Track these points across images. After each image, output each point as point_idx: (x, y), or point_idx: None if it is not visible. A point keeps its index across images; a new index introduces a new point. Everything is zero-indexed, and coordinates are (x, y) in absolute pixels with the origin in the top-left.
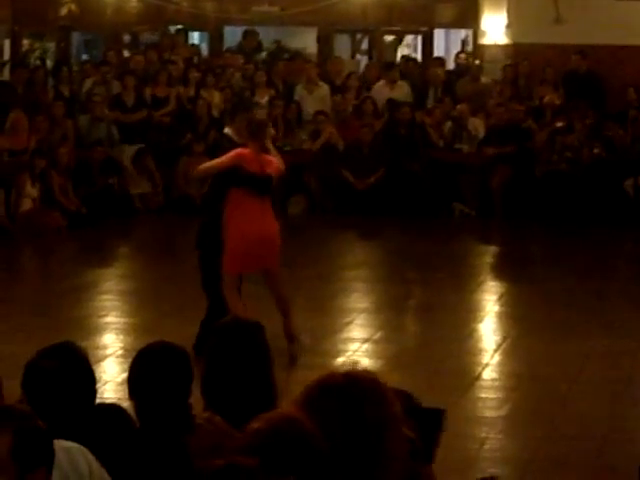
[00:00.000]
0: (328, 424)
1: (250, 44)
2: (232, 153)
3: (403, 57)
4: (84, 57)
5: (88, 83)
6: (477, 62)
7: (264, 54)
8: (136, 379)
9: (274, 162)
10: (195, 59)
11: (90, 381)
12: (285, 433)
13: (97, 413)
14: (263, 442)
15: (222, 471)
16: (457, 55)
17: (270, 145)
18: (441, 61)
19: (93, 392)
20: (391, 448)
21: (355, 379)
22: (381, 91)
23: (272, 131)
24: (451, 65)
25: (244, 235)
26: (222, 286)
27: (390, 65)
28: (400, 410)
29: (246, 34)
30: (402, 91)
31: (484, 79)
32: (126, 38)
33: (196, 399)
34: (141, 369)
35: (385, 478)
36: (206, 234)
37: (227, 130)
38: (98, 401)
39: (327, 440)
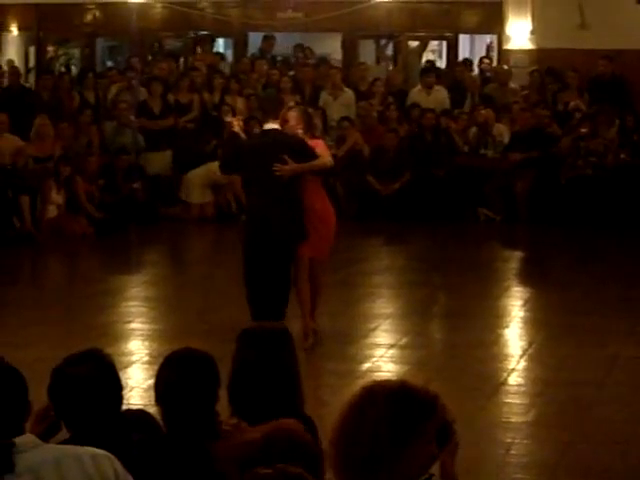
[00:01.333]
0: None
1: (268, 48)
2: (316, 146)
3: (428, 62)
4: (109, 64)
5: (114, 90)
6: (505, 67)
7: (279, 58)
8: (163, 385)
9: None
10: (221, 65)
11: (117, 388)
12: (278, 443)
13: (124, 419)
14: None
15: (272, 478)
16: (481, 60)
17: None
18: (470, 63)
19: (120, 399)
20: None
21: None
22: (418, 96)
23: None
24: (475, 70)
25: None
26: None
27: (427, 70)
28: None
29: (264, 39)
30: (440, 96)
31: (512, 84)
32: (152, 45)
33: (223, 406)
34: (168, 375)
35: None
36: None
37: (272, 125)
38: (124, 407)
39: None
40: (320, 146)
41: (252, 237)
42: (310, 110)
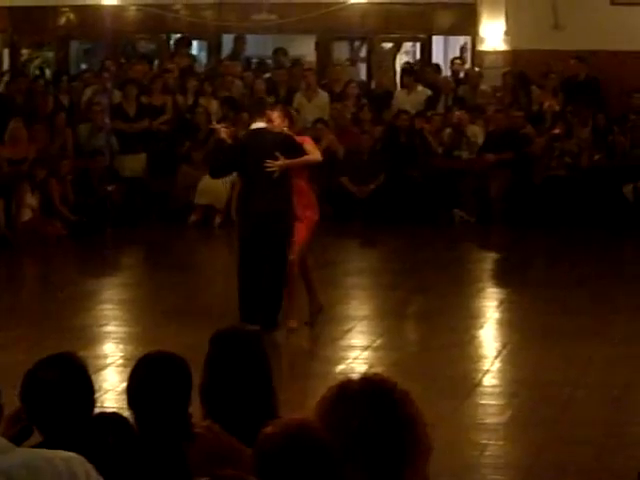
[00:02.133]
0: (354, 428)
1: (240, 50)
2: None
3: (407, 63)
4: (83, 66)
5: (88, 92)
6: (476, 69)
7: (254, 60)
8: (135, 388)
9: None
10: (195, 67)
11: (89, 391)
12: (298, 438)
13: (97, 422)
14: (276, 447)
15: None
16: (452, 61)
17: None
18: (437, 67)
19: (92, 402)
20: (422, 442)
21: (375, 382)
22: (400, 97)
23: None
24: (447, 72)
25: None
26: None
27: (407, 71)
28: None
29: (236, 40)
30: (420, 97)
31: (483, 86)
32: (125, 47)
33: (195, 408)
34: (140, 378)
35: (418, 473)
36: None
37: (258, 124)
38: (98, 410)
39: (353, 446)
40: (307, 142)
41: (249, 234)
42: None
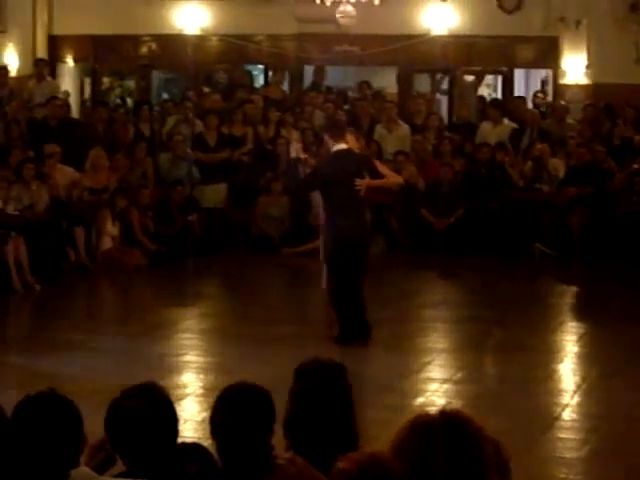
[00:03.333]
0: (430, 462)
1: (320, 80)
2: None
3: (494, 99)
4: (164, 96)
5: (170, 122)
6: (562, 102)
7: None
8: (218, 419)
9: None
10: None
11: (173, 421)
12: (371, 472)
13: (180, 452)
14: None
15: None
16: (535, 95)
17: None
18: (523, 100)
19: (176, 432)
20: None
21: (452, 417)
22: (485, 130)
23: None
24: (529, 105)
25: None
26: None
27: (494, 104)
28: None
29: (316, 71)
30: (505, 130)
31: (570, 120)
32: (207, 77)
33: (278, 439)
34: (223, 409)
35: None
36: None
37: (342, 145)
38: (179, 440)
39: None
40: (381, 166)
41: (342, 250)
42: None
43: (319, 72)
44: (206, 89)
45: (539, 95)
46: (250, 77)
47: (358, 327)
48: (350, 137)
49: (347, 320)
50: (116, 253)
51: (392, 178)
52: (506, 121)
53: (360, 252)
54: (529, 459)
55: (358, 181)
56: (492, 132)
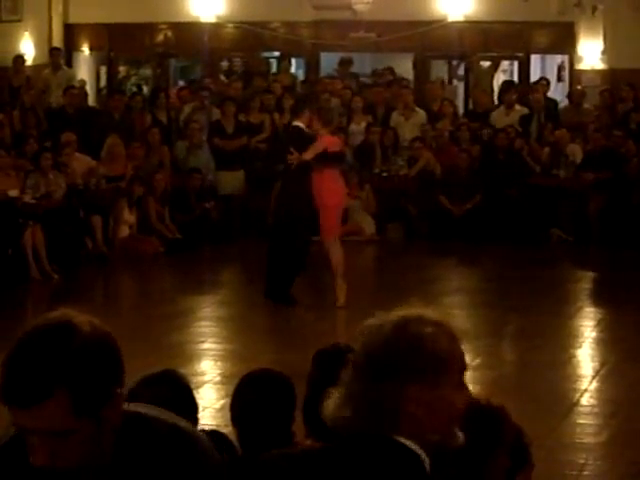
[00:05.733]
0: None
1: (345, 71)
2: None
3: (506, 81)
4: (180, 83)
5: (187, 110)
6: (579, 87)
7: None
8: (239, 406)
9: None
10: (297, 86)
11: (193, 409)
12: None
13: None
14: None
15: None
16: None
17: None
18: (547, 82)
19: (196, 420)
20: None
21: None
22: (498, 115)
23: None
24: (551, 90)
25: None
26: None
27: (507, 88)
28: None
29: (342, 62)
30: (519, 117)
31: (586, 104)
32: (223, 64)
33: (298, 426)
34: (244, 396)
35: None
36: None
37: (297, 122)
38: (198, 428)
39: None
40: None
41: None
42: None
43: (346, 63)
44: (222, 77)
45: (542, 82)
46: (267, 64)
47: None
48: (305, 116)
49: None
50: (133, 241)
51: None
52: (518, 107)
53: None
54: (548, 444)
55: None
56: (505, 118)
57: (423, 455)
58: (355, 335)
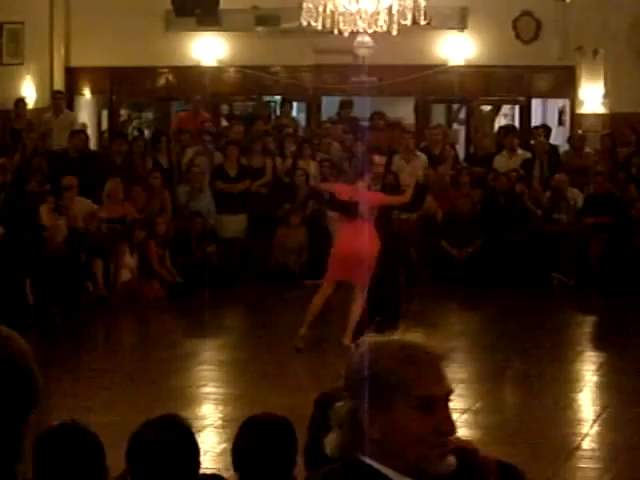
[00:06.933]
0: None
1: (347, 114)
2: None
3: (506, 125)
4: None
5: (189, 153)
6: (580, 132)
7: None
8: (241, 450)
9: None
10: (298, 131)
11: (195, 453)
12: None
13: None
14: None
15: None
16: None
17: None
18: (548, 129)
19: (198, 464)
20: None
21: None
22: (500, 160)
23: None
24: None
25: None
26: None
27: (508, 132)
28: None
29: (342, 104)
30: (521, 161)
31: (587, 149)
32: (224, 108)
33: (300, 470)
34: (246, 440)
35: None
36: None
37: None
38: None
39: None
40: None
41: None
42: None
43: (347, 106)
44: (224, 121)
45: (541, 130)
46: (268, 108)
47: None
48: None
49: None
50: (134, 285)
51: None
52: (520, 151)
53: None
54: None
55: None
56: (508, 162)
57: (397, 477)
58: None
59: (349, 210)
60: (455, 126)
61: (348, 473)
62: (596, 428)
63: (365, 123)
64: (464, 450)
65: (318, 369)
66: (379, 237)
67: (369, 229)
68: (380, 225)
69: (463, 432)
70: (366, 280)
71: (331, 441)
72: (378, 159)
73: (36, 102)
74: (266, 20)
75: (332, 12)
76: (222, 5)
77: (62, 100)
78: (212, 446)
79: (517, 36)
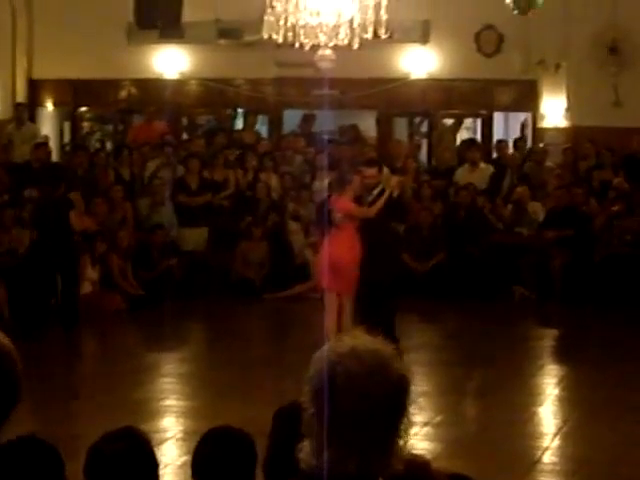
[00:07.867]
0: None
1: (308, 128)
2: None
3: (470, 139)
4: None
5: (151, 166)
6: (541, 145)
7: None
8: (200, 463)
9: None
10: (261, 145)
11: (153, 466)
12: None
13: None
14: None
15: None
16: (516, 141)
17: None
18: (505, 143)
19: (156, 477)
20: None
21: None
22: (461, 174)
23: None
24: (510, 149)
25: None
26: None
27: (469, 145)
28: None
29: (305, 118)
30: (484, 174)
31: (549, 163)
32: (184, 120)
33: None
34: (205, 453)
35: None
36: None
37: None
38: None
39: None
40: None
41: None
42: None
43: (308, 120)
44: (184, 134)
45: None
46: (231, 121)
47: None
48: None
49: None
50: (96, 298)
51: None
52: (483, 164)
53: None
54: None
55: None
56: (470, 175)
57: None
58: None
59: (322, 220)
60: (417, 139)
61: None
62: (557, 441)
63: (326, 137)
64: (415, 463)
65: (280, 381)
66: (361, 245)
67: (348, 237)
68: (365, 234)
69: (424, 445)
70: (350, 288)
71: (304, 450)
72: (370, 171)
73: None
74: (228, 33)
75: (293, 25)
76: (184, 18)
77: (24, 112)
78: (173, 459)
79: (479, 50)
